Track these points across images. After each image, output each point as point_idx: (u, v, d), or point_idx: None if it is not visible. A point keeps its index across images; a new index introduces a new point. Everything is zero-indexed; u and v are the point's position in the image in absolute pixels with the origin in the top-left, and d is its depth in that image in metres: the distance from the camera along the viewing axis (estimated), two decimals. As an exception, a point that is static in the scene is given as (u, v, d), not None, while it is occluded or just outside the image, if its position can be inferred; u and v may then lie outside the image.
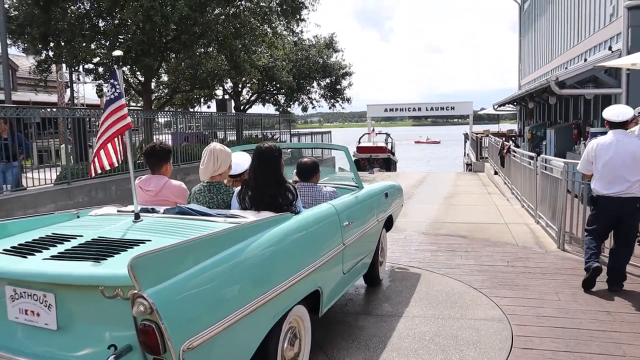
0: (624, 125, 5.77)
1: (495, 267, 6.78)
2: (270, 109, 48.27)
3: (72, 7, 12.32)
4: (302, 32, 20.76)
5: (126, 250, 2.63)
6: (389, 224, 6.05)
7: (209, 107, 24.82)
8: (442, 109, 41.61)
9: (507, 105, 26.16)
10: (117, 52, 3.33)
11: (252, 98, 24.80)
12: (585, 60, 13.37)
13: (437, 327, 4.90)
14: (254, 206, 3.53)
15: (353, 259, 4.51)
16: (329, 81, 26.35)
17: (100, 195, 9.64)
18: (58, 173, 9.30)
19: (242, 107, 23.83)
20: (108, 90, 3.07)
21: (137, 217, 3.20)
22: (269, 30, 15.43)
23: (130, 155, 3.20)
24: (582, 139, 13.20)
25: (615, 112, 5.76)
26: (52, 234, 3.02)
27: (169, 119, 14.62)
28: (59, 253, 2.66)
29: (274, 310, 2.93)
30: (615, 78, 11.27)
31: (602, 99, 12.54)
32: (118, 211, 3.61)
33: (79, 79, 23.79)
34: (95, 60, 13.72)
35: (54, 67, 19.21)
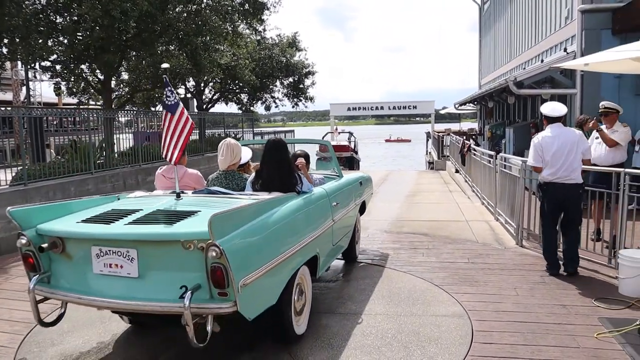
0: (559, 119, 6.37)
1: (456, 264, 6.91)
2: (233, 108, 47.90)
3: (28, 2, 11.97)
4: (264, 30, 20.66)
5: (186, 218, 3.45)
6: (362, 209, 7.06)
7: (170, 105, 24.51)
8: (404, 108, 42.06)
9: (467, 104, 26.63)
10: (165, 65, 4.07)
11: (215, 97, 24.57)
12: (542, 61, 13.72)
13: (400, 324, 4.97)
14: (264, 189, 4.34)
15: (339, 233, 5.53)
16: (292, 80, 26.32)
17: (59, 196, 9.40)
18: (14, 174, 9.02)
19: (204, 106, 23.58)
20: (166, 97, 3.93)
21: (178, 196, 4.03)
22: (230, 28, 15.29)
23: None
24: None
25: (552, 107, 6.38)
26: (113, 209, 3.81)
27: (130, 118, 14.35)
28: (134, 220, 3.49)
29: (291, 265, 3.88)
30: (570, 79, 11.60)
31: (558, 98, 12.88)
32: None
33: (35, 77, 23.12)
34: (52, 57, 13.35)
35: (8, 65, 18.60)
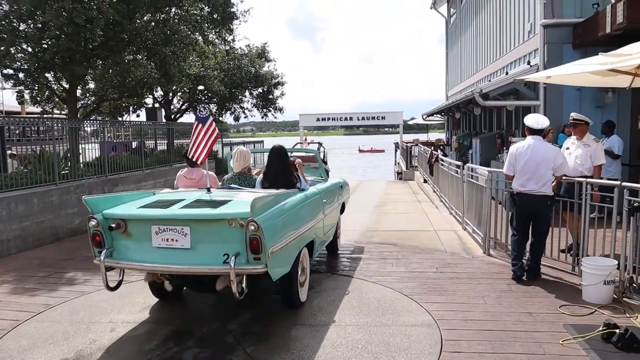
0: (541, 132, 6.50)
1: (425, 273, 6.97)
2: (202, 118, 47.49)
3: (-11, 9, 11.69)
4: (233, 40, 20.59)
5: (225, 204, 4.62)
6: (342, 209, 8.06)
7: (138, 115, 24.16)
8: (373, 118, 42.40)
9: (435, 115, 27.00)
10: (201, 87, 4.87)
11: (184, 107, 24.35)
12: (507, 73, 14.02)
13: (370, 335, 4.98)
14: (272, 187, 5.57)
15: (328, 226, 6.75)
16: (261, 91, 26.26)
17: (21, 209, 9.16)
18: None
19: (172, 116, 23.33)
20: (199, 111, 5.19)
21: (208, 190, 5.25)
22: (199, 38, 15.21)
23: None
24: (505, 148, 13.80)
25: (535, 119, 6.52)
26: (160, 199, 4.98)
27: (96, 127, 14.10)
28: (184, 205, 4.62)
29: (299, 244, 5.15)
30: (533, 91, 11.88)
31: (522, 110, 13.19)
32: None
33: (-4, 85, 22.53)
34: (16, 65, 13.04)
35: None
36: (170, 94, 22.75)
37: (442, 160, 13.37)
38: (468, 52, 22.18)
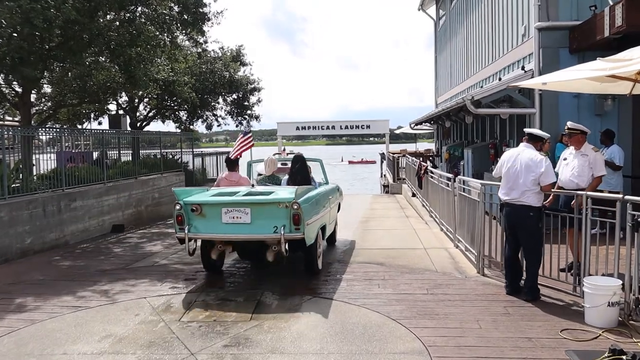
0: (539, 140, 6.76)
1: (414, 295, 6.93)
2: (171, 127, 47.19)
3: None
4: (206, 43, 20.46)
5: (272, 193, 7.47)
6: (338, 208, 10.72)
7: (100, 123, 23.87)
8: (357, 127, 42.54)
9: (424, 124, 27.13)
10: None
11: (151, 114, 24.15)
12: (500, 79, 14.15)
13: (355, 364, 4.90)
14: (294, 185, 8.43)
15: (331, 217, 9.33)
16: (235, 97, 26.14)
17: (-34, 226, 8.91)
18: None
19: (138, 124, 23.12)
20: (244, 127, 7.23)
21: (253, 186, 8.23)
22: (168, 40, 15.10)
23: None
24: (498, 159, 13.91)
25: (538, 129, 6.89)
26: (220, 192, 7.85)
27: (52, 136, 13.87)
28: (244, 194, 7.40)
29: (319, 224, 7.85)
30: (528, 98, 11.98)
31: (517, 118, 13.29)
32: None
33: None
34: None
35: None
36: (136, 100, 22.54)
37: (432, 173, 13.40)
38: (458, 57, 22.40)
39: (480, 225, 7.80)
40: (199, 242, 7.96)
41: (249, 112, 26.52)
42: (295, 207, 7.14)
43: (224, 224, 7.31)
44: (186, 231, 7.41)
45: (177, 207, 7.47)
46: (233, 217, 7.27)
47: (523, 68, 12.34)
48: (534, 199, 6.50)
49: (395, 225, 13.27)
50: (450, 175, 10.66)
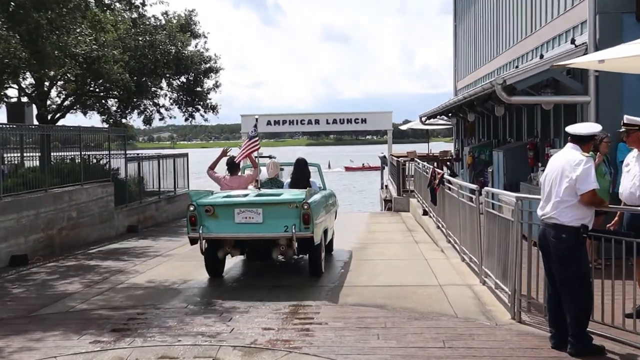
0: (586, 140, 6.64)
1: (427, 350, 6.88)
2: (95, 120, 46.88)
3: None
4: (144, 5, 20.18)
5: (281, 195, 11.08)
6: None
7: (-6, 115, 23.60)
8: (349, 121, 42.59)
9: (439, 117, 27.20)
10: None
11: (67, 103, 23.91)
12: (542, 56, 14.18)
13: None
14: (296, 187, 11.77)
15: (330, 223, 12.40)
16: (185, 80, 26.00)
17: None
18: None
19: (50, 117, 22.87)
20: (251, 132, 12.10)
21: (259, 189, 11.74)
22: (91, 0, 14.99)
23: None
24: (540, 164, 13.92)
25: (581, 124, 6.91)
26: (230, 194, 11.21)
27: None
28: (254, 196, 10.98)
29: (323, 225, 11.33)
30: (580, 82, 12.02)
31: (564, 109, 13.34)
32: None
33: None
34: None
35: None
36: (46, 84, 22.28)
37: (450, 183, 13.40)
38: (486, 26, 22.50)
39: (516, 253, 7.77)
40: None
41: (203, 101, 26.41)
42: (306, 207, 10.13)
43: (236, 224, 10.31)
44: (200, 231, 10.35)
45: (191, 208, 10.45)
46: (245, 217, 10.26)
47: (573, 41, 12.39)
48: (568, 216, 6.39)
49: (401, 253, 13.24)
50: (474, 187, 10.65)
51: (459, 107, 19.47)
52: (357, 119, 42.22)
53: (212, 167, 13.04)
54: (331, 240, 12.99)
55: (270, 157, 35.11)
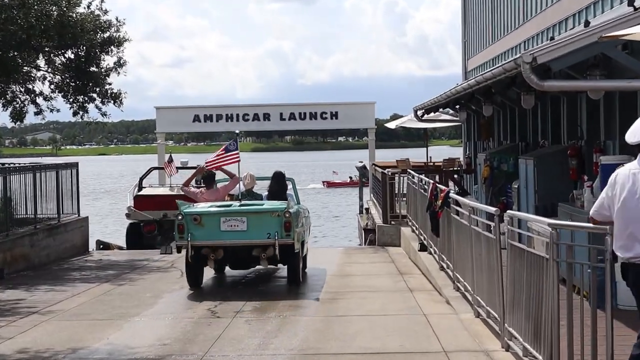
0: None
1: None
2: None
3: None
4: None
5: (263, 205, 17.63)
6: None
7: None
8: (313, 117, 42.61)
9: (442, 110, 27.33)
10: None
11: None
12: (587, 23, 14.35)
13: None
14: (274, 199, 18.16)
15: (306, 236, 19.06)
16: (72, 56, 25.91)
17: None
18: None
19: None
20: (231, 143, 18.27)
21: (240, 200, 17.76)
22: None
23: None
24: (585, 177, 14.00)
25: (633, 128, 6.81)
26: (215, 204, 17.44)
27: None
28: (239, 205, 17.33)
29: (301, 236, 17.69)
30: (642, 59, 12.18)
31: (619, 98, 13.51)
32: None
33: None
34: None
35: None
36: None
37: (459, 205, 13.46)
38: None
39: (552, 305, 7.84)
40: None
41: (99, 86, 26.32)
42: (287, 215, 15.28)
43: (222, 232, 15.44)
44: (188, 239, 15.28)
45: (180, 217, 15.42)
46: (231, 225, 15.46)
47: (632, 3, 12.56)
48: None
49: (388, 306, 13.37)
50: (493, 210, 10.68)
51: (471, 96, 19.60)
52: (325, 113, 42.40)
53: (187, 183, 19.69)
54: (305, 256, 18.32)
55: (183, 164, 35.60)
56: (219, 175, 19.84)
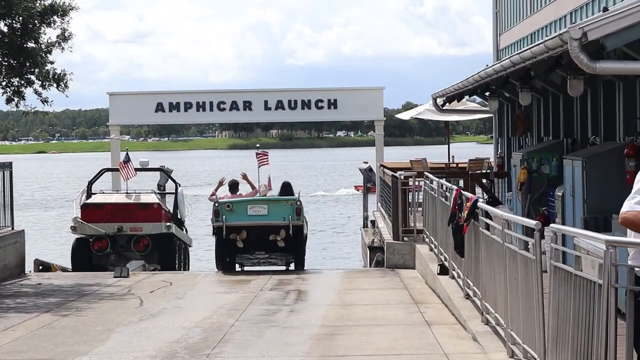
0: None
1: None
2: None
3: None
4: None
5: (279, 197, 33.36)
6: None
7: None
8: (306, 105, 42.74)
9: (467, 98, 27.40)
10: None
11: None
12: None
13: None
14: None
15: (306, 229, 34.99)
16: (5, 29, 26.05)
17: None
18: None
19: None
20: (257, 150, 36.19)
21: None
22: None
23: None
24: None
25: None
26: (242, 198, 33.29)
27: None
28: (260, 197, 32.90)
29: (306, 229, 33.55)
30: None
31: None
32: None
33: None
34: None
35: None
36: None
37: (489, 216, 13.47)
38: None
39: (607, 340, 7.85)
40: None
41: (38, 67, 26.41)
42: (298, 203, 27.79)
43: (248, 215, 27.08)
44: (224, 220, 26.63)
45: (216, 205, 27.14)
46: (255, 211, 27.24)
47: None
48: None
49: (400, 344, 13.39)
50: (532, 223, 10.70)
51: (504, 81, 19.66)
52: (322, 102, 42.59)
53: (213, 193, 29.37)
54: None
55: (162, 170, 37.09)
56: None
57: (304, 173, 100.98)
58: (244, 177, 33.37)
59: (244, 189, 33.20)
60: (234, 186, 30.91)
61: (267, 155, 35.55)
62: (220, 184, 30.59)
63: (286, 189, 30.70)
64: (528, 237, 10.67)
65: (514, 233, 11.58)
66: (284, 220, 26.87)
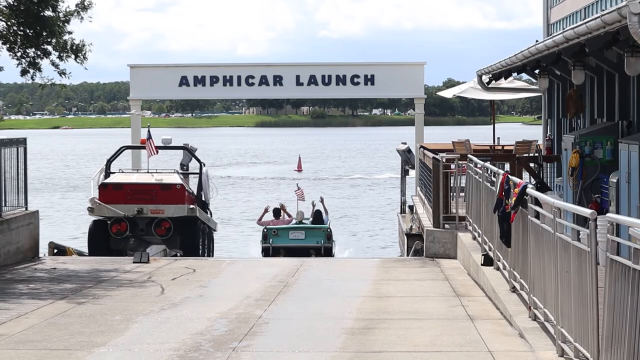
0: None
1: None
2: None
3: None
4: None
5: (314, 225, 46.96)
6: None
7: None
8: (341, 81, 42.75)
9: (514, 76, 27.29)
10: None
11: None
12: None
13: None
14: (316, 224, 47.85)
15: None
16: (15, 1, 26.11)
17: None
18: None
19: None
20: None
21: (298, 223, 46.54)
22: None
23: None
24: None
25: None
26: (288, 225, 47.29)
27: None
28: (299, 225, 46.87)
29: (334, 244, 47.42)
30: None
31: None
32: None
33: None
34: None
35: None
36: None
37: (539, 204, 13.41)
38: None
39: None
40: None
41: (55, 36, 26.45)
42: (329, 230, 40.56)
43: (290, 239, 39.96)
44: (270, 243, 38.53)
45: (264, 230, 39.51)
46: (295, 236, 40.01)
47: None
48: None
49: (441, 339, 13.39)
50: (587, 212, 10.63)
51: (556, 58, 19.61)
52: (357, 77, 42.58)
53: (260, 219, 41.68)
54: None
55: (185, 148, 38.15)
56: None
57: (338, 154, 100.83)
58: (282, 207, 42.96)
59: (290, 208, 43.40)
60: (277, 213, 40.93)
61: (303, 192, 46.72)
62: (266, 210, 40.94)
63: (318, 216, 40.78)
64: (582, 227, 10.58)
65: (567, 222, 11.49)
66: (318, 243, 36.98)
